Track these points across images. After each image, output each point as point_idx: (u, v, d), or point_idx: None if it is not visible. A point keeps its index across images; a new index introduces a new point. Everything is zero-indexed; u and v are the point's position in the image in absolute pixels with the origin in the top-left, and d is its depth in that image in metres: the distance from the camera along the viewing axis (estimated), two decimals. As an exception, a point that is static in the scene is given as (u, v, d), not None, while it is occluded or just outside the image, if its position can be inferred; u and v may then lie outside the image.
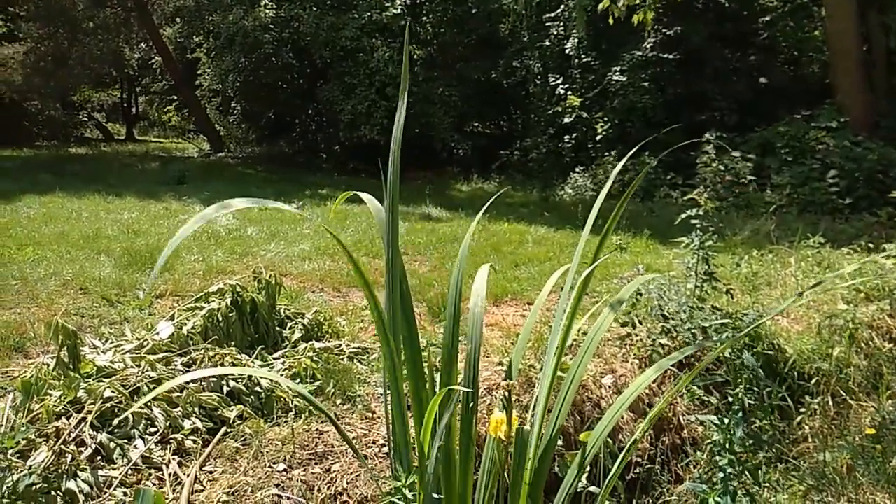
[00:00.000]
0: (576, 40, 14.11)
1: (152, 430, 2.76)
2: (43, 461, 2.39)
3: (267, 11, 14.89)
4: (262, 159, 18.16)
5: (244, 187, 12.03)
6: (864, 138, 10.62)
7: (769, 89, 13.82)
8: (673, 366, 3.88)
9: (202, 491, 2.51)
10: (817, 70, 14.51)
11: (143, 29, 20.61)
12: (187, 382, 3.02)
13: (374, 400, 3.28)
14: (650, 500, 3.46)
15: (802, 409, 3.86)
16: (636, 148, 2.02)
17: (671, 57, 13.35)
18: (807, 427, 3.83)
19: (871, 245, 6.40)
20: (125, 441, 2.65)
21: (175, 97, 25.60)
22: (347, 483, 2.68)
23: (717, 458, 2.67)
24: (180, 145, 23.43)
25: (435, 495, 1.94)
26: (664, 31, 13.29)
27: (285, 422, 3.01)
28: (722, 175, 10.44)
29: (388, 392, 2.02)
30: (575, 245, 1.81)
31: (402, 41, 15.53)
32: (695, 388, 3.69)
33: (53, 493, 2.31)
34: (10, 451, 2.41)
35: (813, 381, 4.13)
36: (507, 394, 1.91)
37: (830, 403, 4.00)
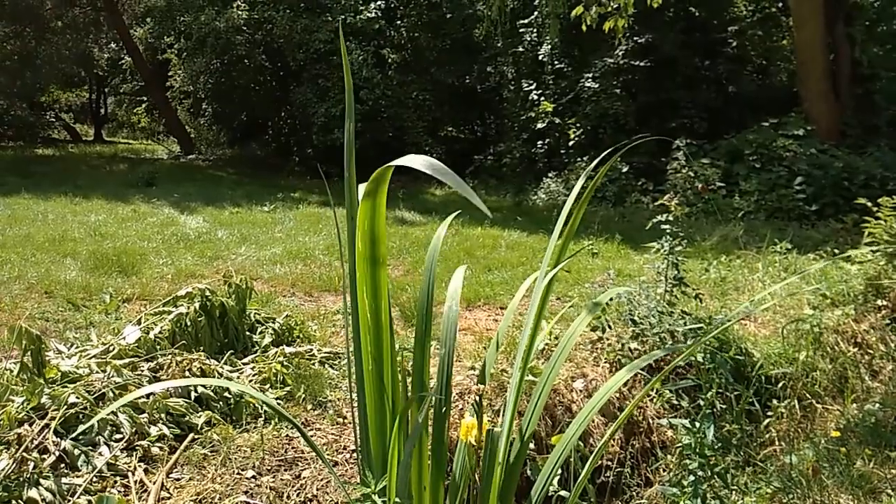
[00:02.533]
0: (549, 47, 14.20)
1: (118, 436, 2.71)
2: (3, 469, 2.33)
3: (239, 13, 14.74)
4: (234, 162, 17.98)
5: (215, 190, 11.90)
6: (830, 146, 10.84)
7: (738, 97, 14.05)
8: (644, 370, 3.92)
9: (169, 498, 2.47)
10: (785, 79, 14.79)
11: (112, 29, 20.31)
12: (154, 388, 2.97)
13: (346, 405, 3.25)
14: (620, 504, 3.48)
15: (769, 413, 3.91)
16: (605, 153, 2.03)
17: (642, 64, 13.52)
18: (774, 430, 3.88)
19: (836, 251, 6.52)
20: (90, 448, 2.60)
21: (145, 98, 25.22)
22: (318, 490, 2.66)
23: (687, 461, 2.69)
24: (150, 147, 23.11)
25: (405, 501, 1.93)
26: (635, 38, 13.44)
27: (254, 428, 2.97)
28: (692, 181, 10.57)
29: (358, 396, 2.00)
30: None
31: (377, 44, 15.55)
32: (666, 390, 3.72)
33: (14, 501, 2.26)
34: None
35: (780, 384, 4.19)
36: (478, 398, 1.91)
37: (797, 407, 4.06)
